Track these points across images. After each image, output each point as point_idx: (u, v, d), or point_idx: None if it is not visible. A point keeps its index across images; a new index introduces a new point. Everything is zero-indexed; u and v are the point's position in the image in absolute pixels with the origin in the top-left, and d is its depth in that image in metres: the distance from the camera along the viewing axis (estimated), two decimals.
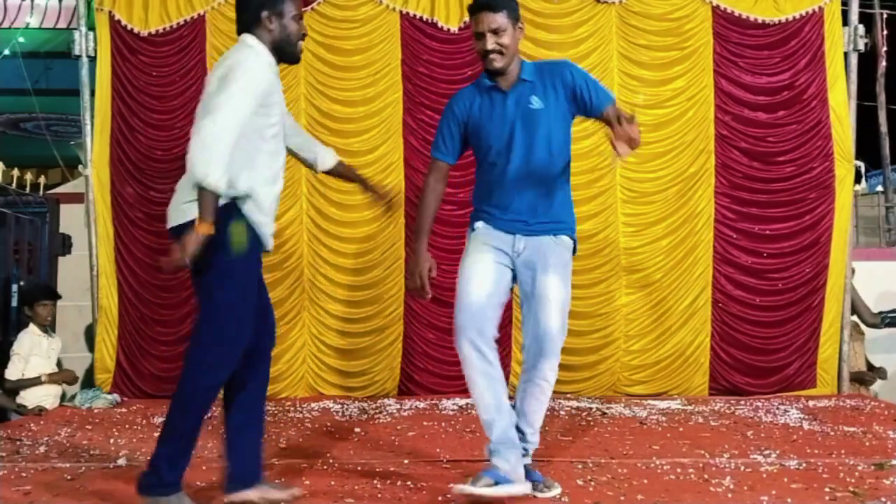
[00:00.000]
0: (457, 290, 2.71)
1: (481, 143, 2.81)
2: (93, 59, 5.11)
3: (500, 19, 2.68)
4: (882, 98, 10.05)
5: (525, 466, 2.70)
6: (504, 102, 2.75)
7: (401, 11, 5.00)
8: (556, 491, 2.71)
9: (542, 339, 2.66)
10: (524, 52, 4.88)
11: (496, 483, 2.53)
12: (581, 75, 2.76)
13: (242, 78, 2.44)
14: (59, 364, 5.01)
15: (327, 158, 2.87)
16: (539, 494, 2.68)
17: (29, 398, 4.64)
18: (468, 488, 2.52)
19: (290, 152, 2.79)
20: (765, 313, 4.96)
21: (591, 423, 4.06)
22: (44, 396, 4.67)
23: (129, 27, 5.02)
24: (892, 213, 10.00)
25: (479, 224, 2.82)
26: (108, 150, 5.04)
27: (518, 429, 2.71)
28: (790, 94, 4.96)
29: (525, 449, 2.73)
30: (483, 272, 2.71)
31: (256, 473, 2.61)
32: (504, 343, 4.93)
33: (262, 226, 2.54)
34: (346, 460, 3.24)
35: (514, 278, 2.79)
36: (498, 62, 2.70)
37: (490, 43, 2.67)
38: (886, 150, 10.18)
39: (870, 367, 5.29)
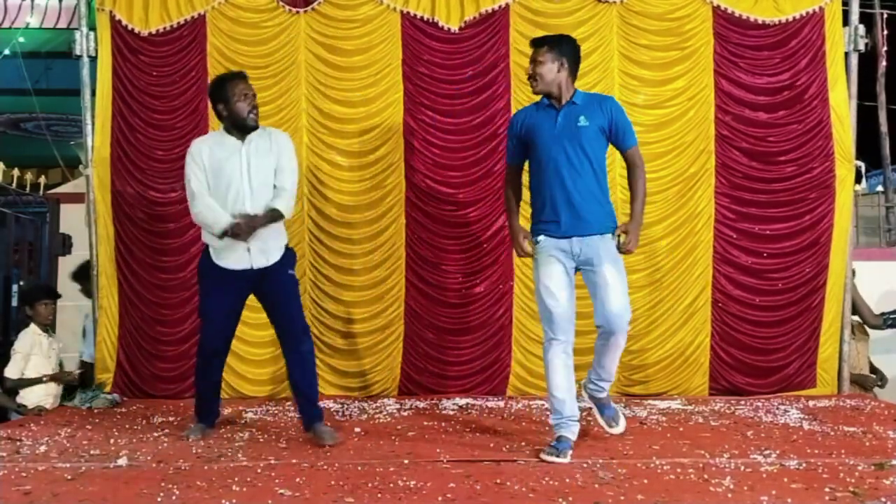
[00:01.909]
0: (542, 300, 3.42)
1: (534, 152, 3.47)
2: (94, 59, 5.10)
3: (539, 53, 3.44)
4: (882, 98, 10.06)
5: (602, 399, 3.65)
6: (555, 118, 3.43)
7: (401, 11, 4.98)
8: (621, 427, 3.66)
9: (611, 318, 3.37)
10: (525, 51, 4.91)
11: (569, 449, 3.29)
12: (620, 113, 3.49)
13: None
14: (60, 364, 5.01)
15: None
16: (609, 429, 3.64)
17: (29, 398, 4.64)
18: (552, 458, 3.20)
19: None
20: (765, 313, 4.95)
21: (592, 423, 4.05)
22: (44, 396, 4.68)
23: (129, 27, 5.01)
24: (893, 213, 10.02)
25: (542, 238, 3.47)
26: (109, 149, 5.03)
27: (599, 376, 3.58)
28: (791, 94, 4.95)
29: (602, 387, 3.60)
30: (560, 284, 3.40)
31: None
32: (504, 343, 4.94)
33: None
34: (346, 460, 3.24)
35: (575, 271, 3.50)
36: (534, 86, 3.46)
37: (529, 69, 3.46)
38: (887, 150, 10.19)
39: (872, 369, 5.28)
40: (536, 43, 3.49)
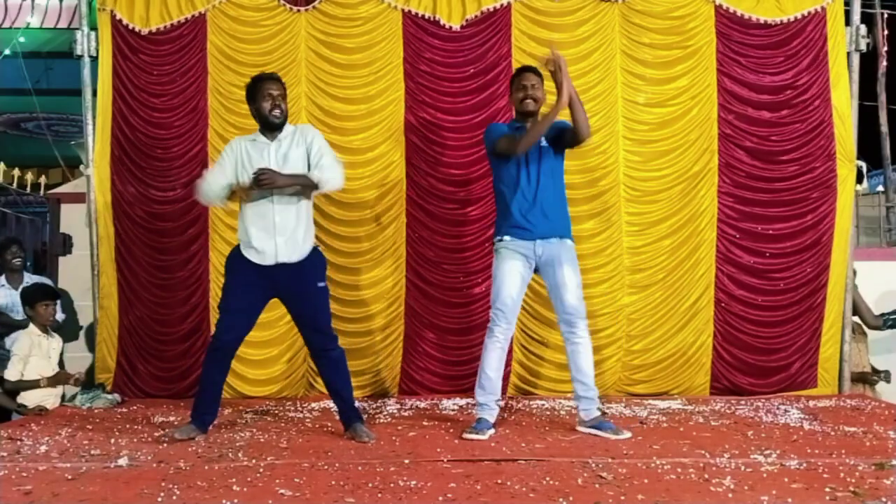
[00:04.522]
0: (498, 289, 3.81)
1: (506, 166, 3.83)
2: (94, 59, 5.09)
3: (535, 78, 3.87)
4: (883, 98, 10.06)
5: (597, 417, 3.78)
6: None
7: (403, 9, 4.98)
8: (627, 433, 3.67)
9: (569, 312, 3.80)
10: (526, 49, 4.92)
11: (488, 429, 3.71)
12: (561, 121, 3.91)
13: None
14: (61, 363, 4.99)
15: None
16: (614, 436, 3.63)
17: (30, 398, 4.63)
18: (469, 435, 3.63)
19: None
20: (767, 313, 4.94)
21: None
22: (45, 396, 4.66)
23: (129, 26, 5.01)
24: (893, 213, 10.02)
25: (507, 237, 3.83)
26: (109, 149, 5.03)
27: (581, 382, 3.79)
28: (793, 93, 4.94)
29: (591, 397, 3.80)
30: (514, 277, 3.80)
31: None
32: None
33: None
34: (346, 460, 3.23)
35: (535, 271, 3.87)
36: (531, 107, 3.83)
37: (526, 92, 3.83)
38: (887, 150, 10.19)
39: (872, 370, 5.27)
40: (532, 70, 3.89)
